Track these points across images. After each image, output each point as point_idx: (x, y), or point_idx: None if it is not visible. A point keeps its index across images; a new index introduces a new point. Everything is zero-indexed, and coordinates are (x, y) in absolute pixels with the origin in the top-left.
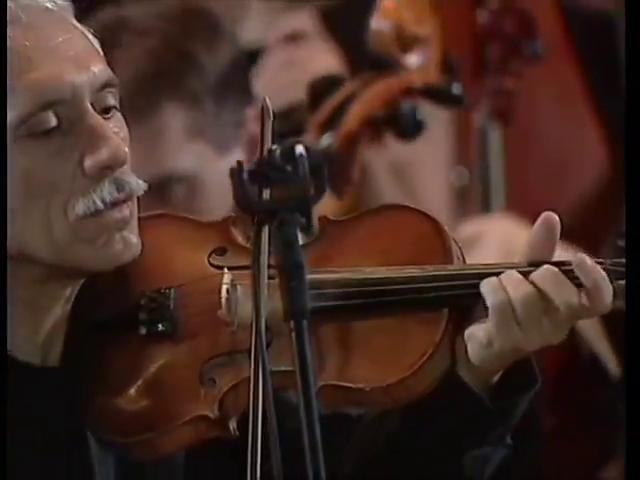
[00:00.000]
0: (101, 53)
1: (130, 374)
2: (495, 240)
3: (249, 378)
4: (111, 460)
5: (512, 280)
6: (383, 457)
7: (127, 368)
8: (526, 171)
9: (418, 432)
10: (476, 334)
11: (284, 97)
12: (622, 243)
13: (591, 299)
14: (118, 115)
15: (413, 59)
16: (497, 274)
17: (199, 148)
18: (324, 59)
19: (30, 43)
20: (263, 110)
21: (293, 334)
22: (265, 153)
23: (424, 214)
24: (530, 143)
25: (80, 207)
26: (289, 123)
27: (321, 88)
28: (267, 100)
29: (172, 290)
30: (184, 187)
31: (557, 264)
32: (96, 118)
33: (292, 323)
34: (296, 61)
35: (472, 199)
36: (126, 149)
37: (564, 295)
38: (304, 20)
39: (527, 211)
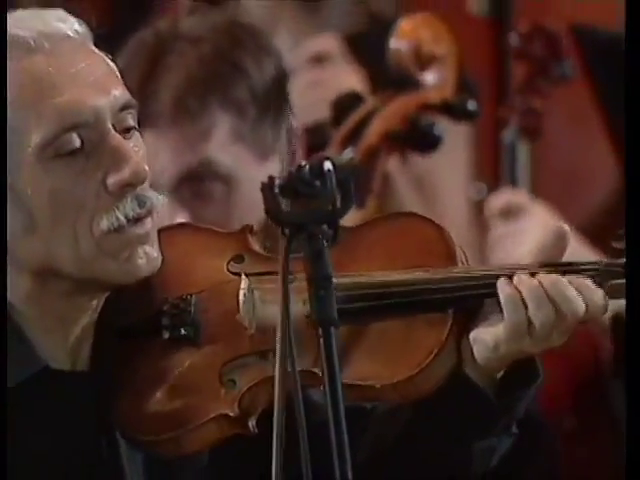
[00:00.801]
0: (119, 77)
1: (154, 376)
2: (537, 230)
3: (267, 378)
4: (139, 457)
5: (534, 299)
6: (395, 448)
7: (151, 371)
8: (549, 184)
9: (428, 425)
10: (483, 338)
11: (311, 115)
12: (618, 245)
13: (588, 309)
14: (137, 134)
15: (430, 77)
16: (499, 276)
17: (239, 151)
18: (347, 79)
19: (54, 69)
20: (289, 128)
21: (321, 340)
22: (294, 168)
23: (430, 221)
24: (550, 158)
25: (104, 223)
26: (315, 139)
27: (344, 105)
28: (292, 118)
29: (193, 296)
30: (221, 183)
31: (561, 266)
32: (117, 139)
33: (320, 330)
34: (321, 81)
35: None
36: (146, 167)
37: (574, 307)
38: (328, 42)
39: None
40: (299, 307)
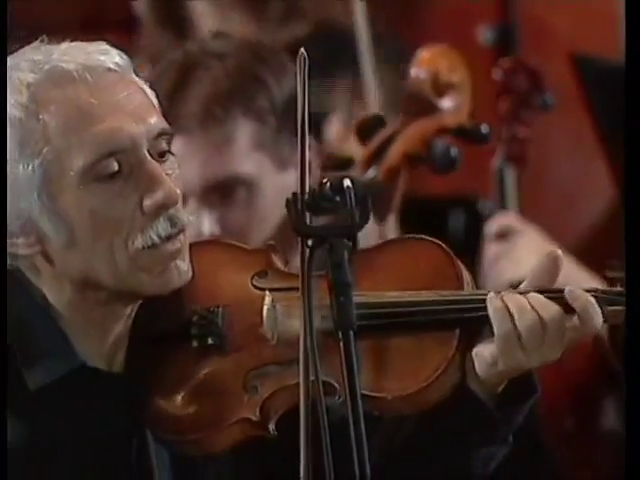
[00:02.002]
0: (156, 105)
1: (183, 381)
2: (527, 248)
3: (286, 386)
4: (166, 454)
5: (517, 306)
6: (400, 453)
7: (180, 376)
8: (538, 205)
9: (432, 433)
10: (483, 354)
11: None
12: (611, 274)
13: (582, 322)
14: (171, 158)
15: (447, 103)
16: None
17: (261, 158)
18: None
19: (96, 100)
20: (301, 148)
21: (341, 343)
22: (317, 185)
23: (439, 245)
24: (544, 179)
25: (139, 242)
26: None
27: (368, 127)
28: (307, 137)
29: (220, 309)
30: (245, 189)
31: (554, 291)
32: (153, 164)
33: (340, 333)
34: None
35: None
36: (178, 191)
37: (554, 316)
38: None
39: None
40: (317, 322)
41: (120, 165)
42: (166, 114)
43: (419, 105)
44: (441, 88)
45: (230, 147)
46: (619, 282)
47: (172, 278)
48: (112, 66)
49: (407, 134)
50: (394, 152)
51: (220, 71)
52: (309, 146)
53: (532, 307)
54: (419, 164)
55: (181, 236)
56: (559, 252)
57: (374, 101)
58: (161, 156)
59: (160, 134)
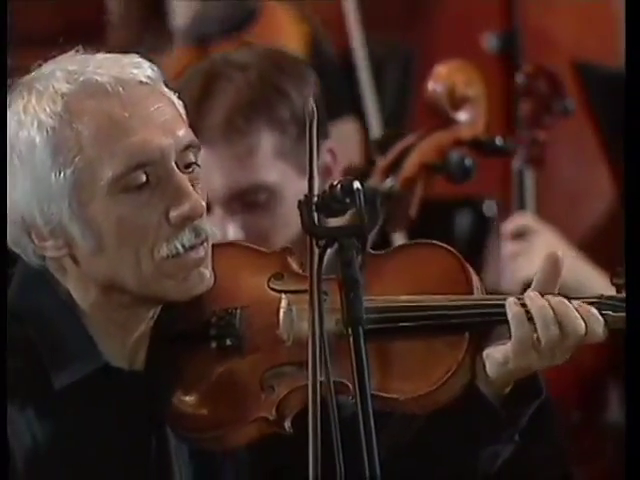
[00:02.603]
0: (185, 117)
1: (202, 380)
2: (543, 247)
3: (302, 386)
4: (186, 450)
5: (542, 318)
6: (408, 450)
7: (200, 375)
8: (551, 206)
9: (441, 431)
10: (494, 355)
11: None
12: (617, 281)
13: (588, 333)
14: (197, 169)
15: (463, 116)
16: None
17: (283, 167)
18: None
19: (127, 113)
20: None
21: (351, 338)
22: (328, 187)
23: (449, 250)
24: (554, 183)
25: (164, 250)
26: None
27: (386, 140)
28: (314, 143)
29: (238, 310)
30: (268, 196)
31: (567, 298)
32: (180, 177)
33: (350, 329)
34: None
35: None
36: (203, 203)
37: (577, 329)
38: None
39: None
40: (331, 325)
41: (148, 176)
42: (191, 125)
43: (436, 118)
44: (457, 102)
45: (253, 157)
46: (623, 289)
47: (195, 285)
48: (144, 79)
49: (424, 145)
50: (411, 162)
51: (242, 82)
52: (332, 153)
53: (555, 316)
54: (435, 174)
55: (204, 245)
56: (559, 254)
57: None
58: (187, 167)
59: (188, 146)
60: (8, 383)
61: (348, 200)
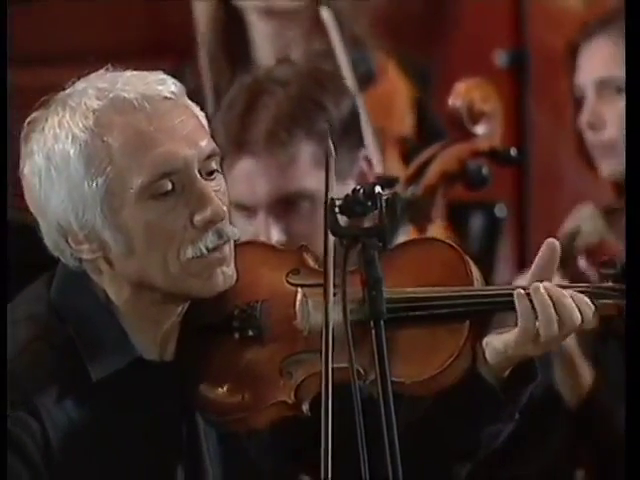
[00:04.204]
0: (207, 128)
1: (227, 368)
2: None
3: (318, 372)
4: (214, 433)
5: (546, 315)
6: (416, 430)
7: (224, 363)
8: (548, 204)
9: (446, 412)
10: (494, 343)
11: None
12: (605, 271)
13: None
14: (219, 175)
15: (481, 129)
16: (510, 295)
17: (321, 175)
18: None
19: (153, 127)
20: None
21: (373, 331)
22: (351, 192)
23: (450, 245)
24: (555, 181)
25: (189, 252)
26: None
27: (410, 150)
28: (332, 150)
29: (259, 304)
30: (308, 203)
31: (561, 287)
32: (203, 183)
33: (372, 323)
34: None
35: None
36: (225, 208)
37: (573, 319)
38: None
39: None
40: (341, 316)
41: (173, 184)
42: (236, 136)
43: (456, 131)
44: (475, 116)
45: (294, 166)
46: (611, 278)
47: (218, 282)
48: (168, 94)
49: (445, 156)
50: (433, 171)
51: (283, 97)
52: (368, 161)
53: (556, 313)
54: (454, 182)
55: (226, 246)
56: (555, 241)
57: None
58: (210, 175)
59: (210, 155)
60: (48, 376)
61: (370, 203)
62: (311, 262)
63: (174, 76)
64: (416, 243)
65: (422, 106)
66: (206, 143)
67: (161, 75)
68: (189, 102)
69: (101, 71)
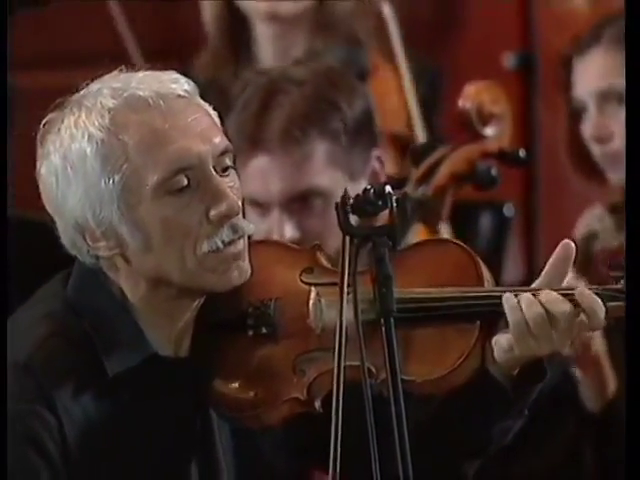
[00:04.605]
0: (220, 126)
1: (240, 365)
2: None
3: (330, 369)
4: (227, 428)
5: (526, 301)
6: (428, 427)
7: (238, 360)
8: (556, 205)
9: (458, 410)
10: (500, 341)
11: None
12: (614, 273)
13: (589, 317)
14: (233, 172)
15: (490, 130)
16: (516, 295)
17: (335, 174)
18: None
19: (168, 124)
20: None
21: (383, 328)
22: (362, 191)
23: (462, 247)
24: (560, 187)
25: (205, 246)
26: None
27: (421, 151)
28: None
29: (273, 302)
30: (321, 201)
31: (565, 289)
32: (218, 179)
33: (382, 320)
34: None
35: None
36: (239, 203)
37: (564, 312)
38: None
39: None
40: (353, 314)
41: (189, 180)
42: (251, 134)
43: (465, 132)
44: (485, 118)
45: (307, 164)
46: (620, 279)
47: (234, 277)
48: (182, 93)
49: (454, 157)
50: (443, 172)
51: (298, 96)
52: (380, 160)
53: (540, 302)
54: (464, 182)
55: (241, 240)
56: (571, 243)
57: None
58: (224, 171)
59: (223, 152)
60: (65, 372)
61: (380, 203)
62: (324, 261)
63: (185, 76)
64: (428, 244)
65: (416, 103)
66: (220, 140)
67: (174, 74)
68: (202, 101)
69: (115, 72)
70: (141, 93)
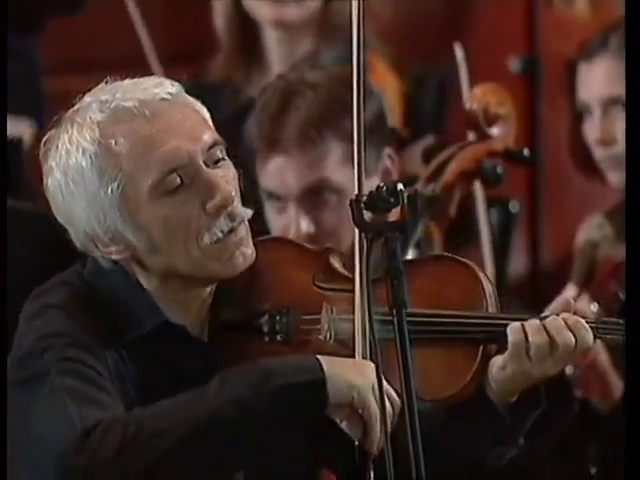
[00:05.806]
0: (208, 121)
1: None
2: None
3: None
4: None
5: (533, 327)
6: (424, 446)
7: (253, 358)
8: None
9: (455, 434)
10: (496, 360)
11: None
12: (616, 306)
13: (578, 345)
14: (226, 162)
15: (495, 131)
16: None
17: (349, 172)
18: None
19: (155, 129)
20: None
21: (395, 319)
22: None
23: (464, 263)
24: (563, 184)
25: (206, 238)
26: None
27: (430, 151)
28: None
29: (288, 310)
30: (336, 197)
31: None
32: (209, 173)
33: (394, 311)
34: None
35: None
36: (233, 192)
37: (566, 341)
38: None
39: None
40: (376, 329)
41: (182, 178)
42: (269, 136)
43: (472, 132)
44: (491, 119)
45: (323, 162)
46: (615, 313)
47: (239, 263)
48: (165, 95)
49: (462, 156)
50: (451, 170)
51: (314, 99)
52: (391, 158)
53: (545, 329)
54: (471, 180)
55: (241, 227)
56: (571, 299)
57: None
58: (216, 163)
59: (212, 145)
60: (82, 332)
61: (392, 200)
62: (337, 265)
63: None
64: (430, 262)
65: (410, 101)
66: (208, 135)
67: (157, 79)
68: (189, 99)
69: (101, 85)
70: (125, 104)
